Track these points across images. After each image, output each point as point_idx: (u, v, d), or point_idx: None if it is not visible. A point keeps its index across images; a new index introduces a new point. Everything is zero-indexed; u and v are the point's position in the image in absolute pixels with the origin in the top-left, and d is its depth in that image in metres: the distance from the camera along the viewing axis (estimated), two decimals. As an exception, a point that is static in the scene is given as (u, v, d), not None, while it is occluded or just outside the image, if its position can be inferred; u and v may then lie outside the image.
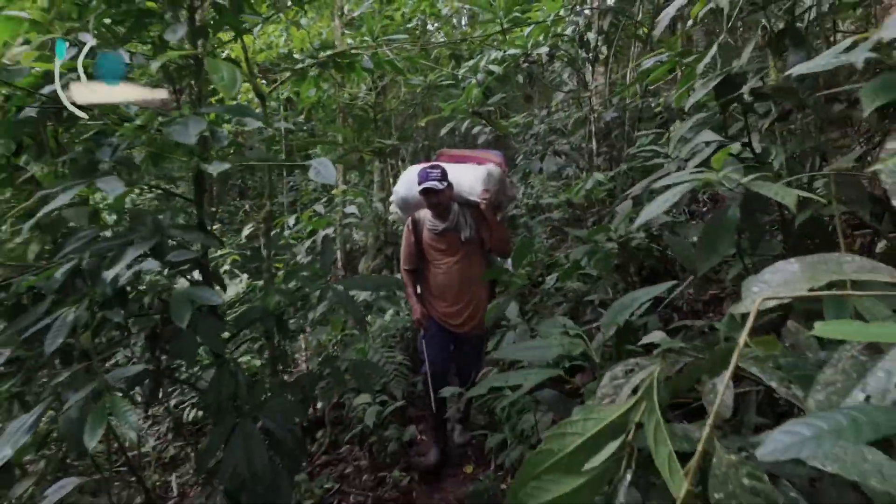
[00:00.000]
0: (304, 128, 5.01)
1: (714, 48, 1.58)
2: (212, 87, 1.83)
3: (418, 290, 3.46)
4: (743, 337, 0.71)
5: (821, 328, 0.63)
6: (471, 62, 3.58)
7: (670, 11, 1.47)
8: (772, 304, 0.79)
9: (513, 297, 2.31)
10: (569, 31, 3.52)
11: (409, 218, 3.40)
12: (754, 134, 1.55)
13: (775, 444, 0.57)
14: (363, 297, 3.54)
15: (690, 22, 2.29)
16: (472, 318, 3.32)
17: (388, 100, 4.86)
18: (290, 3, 3.08)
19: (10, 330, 1.55)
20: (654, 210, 1.06)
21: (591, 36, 3.30)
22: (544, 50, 3.43)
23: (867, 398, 0.66)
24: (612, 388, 1.02)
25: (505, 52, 3.47)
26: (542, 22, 3.45)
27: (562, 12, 3.53)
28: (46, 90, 1.49)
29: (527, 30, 3.62)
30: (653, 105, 3.40)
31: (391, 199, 3.65)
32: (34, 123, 1.62)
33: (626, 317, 1.26)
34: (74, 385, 1.52)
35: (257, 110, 3.43)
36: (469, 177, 3.18)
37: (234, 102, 1.35)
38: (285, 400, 1.83)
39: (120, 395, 1.38)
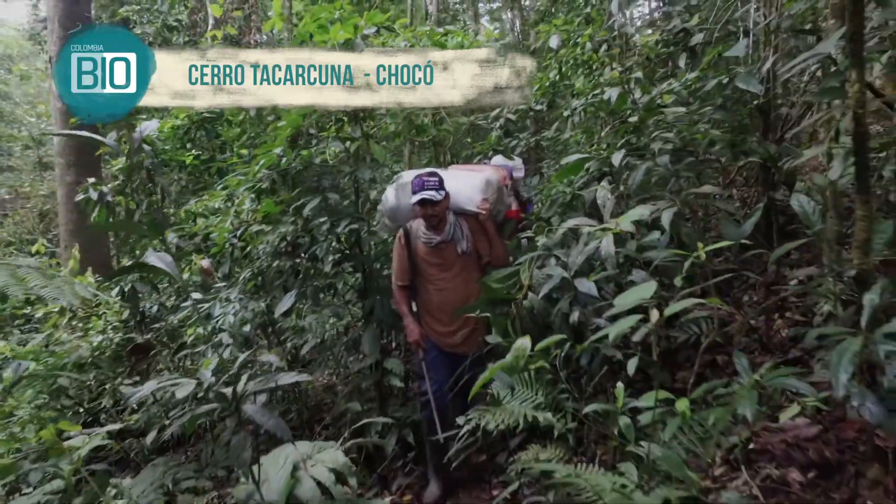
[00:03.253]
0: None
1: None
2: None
3: (414, 308, 3.25)
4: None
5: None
6: (494, 112, 5.67)
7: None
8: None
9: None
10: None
11: (401, 229, 3.21)
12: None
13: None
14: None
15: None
16: (471, 338, 3.04)
17: (443, 129, 7.01)
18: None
19: (289, 255, 3.80)
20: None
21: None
22: (541, 106, 5.49)
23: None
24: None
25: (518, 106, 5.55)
26: (540, 85, 5.51)
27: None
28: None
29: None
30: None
31: (378, 208, 3.50)
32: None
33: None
34: (314, 278, 3.72)
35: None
36: (467, 185, 3.09)
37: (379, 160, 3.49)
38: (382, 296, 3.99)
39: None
